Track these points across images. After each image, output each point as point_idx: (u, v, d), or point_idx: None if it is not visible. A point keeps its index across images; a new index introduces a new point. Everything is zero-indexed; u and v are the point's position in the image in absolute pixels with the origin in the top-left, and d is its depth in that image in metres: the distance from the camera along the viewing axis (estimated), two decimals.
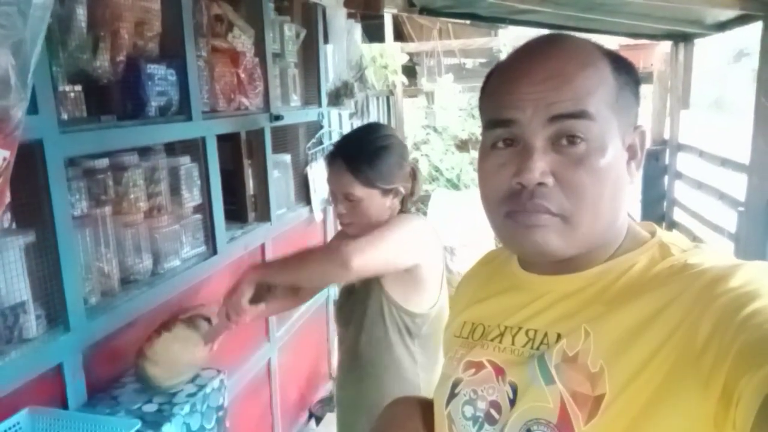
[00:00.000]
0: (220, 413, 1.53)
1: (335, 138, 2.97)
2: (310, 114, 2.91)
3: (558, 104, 0.61)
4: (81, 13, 1.42)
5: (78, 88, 1.44)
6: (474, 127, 6.61)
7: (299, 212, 2.77)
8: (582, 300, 0.65)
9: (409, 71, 6.52)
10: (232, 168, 2.31)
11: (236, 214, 2.31)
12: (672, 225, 4.34)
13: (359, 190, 1.39)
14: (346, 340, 1.52)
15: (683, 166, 4.37)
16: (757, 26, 2.75)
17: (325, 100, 3.05)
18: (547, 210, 0.62)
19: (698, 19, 3.31)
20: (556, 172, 0.62)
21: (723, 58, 16.58)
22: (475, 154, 6.35)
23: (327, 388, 3.18)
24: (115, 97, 1.63)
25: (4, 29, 0.83)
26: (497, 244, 0.84)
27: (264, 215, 2.41)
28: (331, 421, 2.81)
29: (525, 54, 0.67)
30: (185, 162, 1.86)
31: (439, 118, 6.75)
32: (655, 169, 4.40)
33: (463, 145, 6.72)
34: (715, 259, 0.61)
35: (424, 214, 4.84)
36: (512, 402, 0.64)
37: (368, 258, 1.25)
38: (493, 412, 0.66)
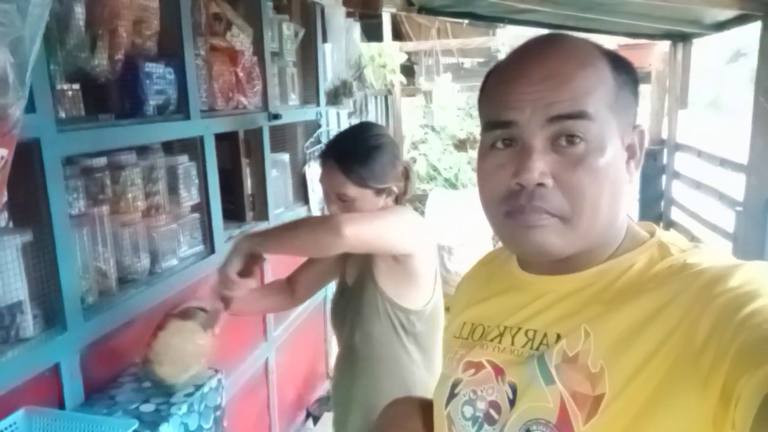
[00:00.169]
0: (218, 413, 1.53)
1: None
2: (309, 113, 2.91)
3: (557, 104, 0.61)
4: (79, 11, 1.42)
5: (76, 86, 1.44)
6: (472, 127, 6.61)
7: (297, 211, 2.76)
8: (581, 300, 0.65)
9: (408, 70, 6.52)
10: (230, 167, 2.31)
11: (234, 213, 2.31)
12: (670, 225, 4.35)
13: (352, 190, 1.38)
14: (342, 340, 1.52)
15: (681, 165, 4.37)
16: (755, 26, 2.75)
17: (323, 99, 3.04)
18: (546, 211, 0.62)
19: (697, 18, 3.32)
20: (556, 172, 0.62)
21: (720, 59, 16.61)
22: (473, 153, 6.36)
23: (324, 387, 3.18)
24: (113, 96, 1.63)
25: (3, 27, 0.83)
26: (495, 244, 0.84)
27: (262, 214, 2.41)
28: (328, 420, 2.79)
29: (523, 54, 0.66)
30: (183, 161, 1.86)
31: (437, 117, 6.75)
32: (653, 168, 4.40)
33: (461, 145, 6.73)
34: (714, 259, 0.61)
35: (422, 213, 4.84)
36: (512, 402, 0.64)
37: (361, 229, 1.25)
38: (492, 412, 0.66)
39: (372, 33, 5.10)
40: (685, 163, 4.32)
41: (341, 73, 3.49)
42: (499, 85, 0.66)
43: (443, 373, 0.76)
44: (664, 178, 4.48)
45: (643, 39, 4.15)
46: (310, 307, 2.96)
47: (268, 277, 2.24)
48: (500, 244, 0.74)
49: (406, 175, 1.48)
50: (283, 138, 2.69)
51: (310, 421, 2.98)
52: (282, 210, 2.61)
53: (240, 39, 2.19)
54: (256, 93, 2.27)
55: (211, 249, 1.97)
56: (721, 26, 3.34)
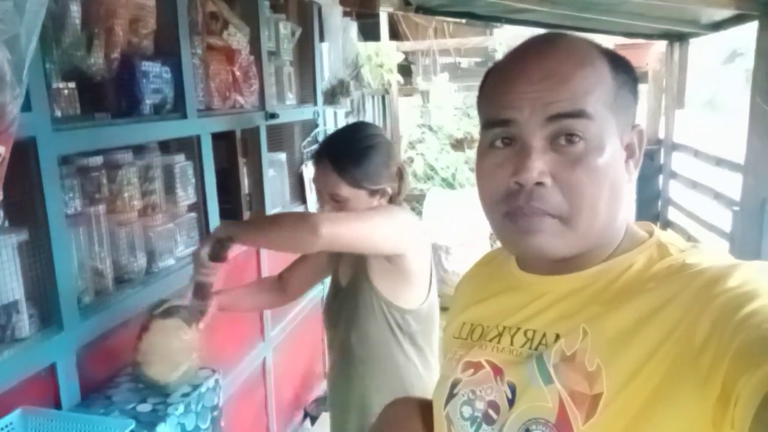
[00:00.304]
0: (215, 413, 1.53)
1: None
2: (306, 112, 2.91)
3: (556, 104, 0.61)
4: (75, 9, 1.41)
5: (72, 85, 1.44)
6: (469, 127, 6.60)
7: (294, 211, 2.76)
8: (580, 300, 0.65)
9: (405, 70, 6.51)
10: (227, 166, 2.31)
11: (231, 212, 2.31)
12: (667, 224, 4.35)
13: (345, 191, 1.38)
14: (336, 341, 1.50)
15: (678, 165, 4.38)
16: (752, 26, 2.75)
17: (320, 98, 3.04)
18: (545, 212, 0.62)
19: (694, 18, 3.32)
20: (555, 171, 0.61)
21: (716, 59, 16.66)
22: (470, 153, 6.36)
23: (322, 387, 3.17)
24: (110, 95, 1.62)
25: (1, 24, 0.83)
26: (492, 244, 0.84)
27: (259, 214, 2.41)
28: (325, 420, 2.79)
29: (522, 53, 0.66)
30: (180, 160, 1.85)
31: (434, 117, 6.75)
32: (650, 168, 4.41)
33: (458, 145, 6.72)
34: (713, 258, 0.61)
35: (420, 213, 4.84)
36: (511, 402, 0.64)
37: (338, 229, 1.23)
38: (491, 412, 0.66)
39: (369, 32, 5.09)
40: (682, 163, 4.32)
41: (338, 72, 3.49)
42: (498, 84, 0.66)
43: (442, 373, 0.76)
44: (660, 177, 4.49)
45: (640, 39, 4.15)
46: (307, 307, 2.96)
47: (265, 274, 2.23)
48: (498, 243, 0.74)
49: (400, 175, 1.47)
50: (280, 137, 2.68)
51: (308, 421, 2.98)
52: (279, 209, 2.60)
53: (237, 38, 2.19)
54: (253, 92, 2.27)
55: None
56: (717, 26, 3.35)
